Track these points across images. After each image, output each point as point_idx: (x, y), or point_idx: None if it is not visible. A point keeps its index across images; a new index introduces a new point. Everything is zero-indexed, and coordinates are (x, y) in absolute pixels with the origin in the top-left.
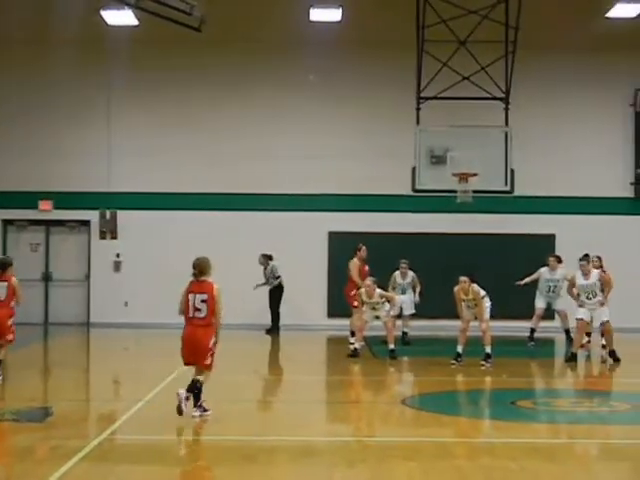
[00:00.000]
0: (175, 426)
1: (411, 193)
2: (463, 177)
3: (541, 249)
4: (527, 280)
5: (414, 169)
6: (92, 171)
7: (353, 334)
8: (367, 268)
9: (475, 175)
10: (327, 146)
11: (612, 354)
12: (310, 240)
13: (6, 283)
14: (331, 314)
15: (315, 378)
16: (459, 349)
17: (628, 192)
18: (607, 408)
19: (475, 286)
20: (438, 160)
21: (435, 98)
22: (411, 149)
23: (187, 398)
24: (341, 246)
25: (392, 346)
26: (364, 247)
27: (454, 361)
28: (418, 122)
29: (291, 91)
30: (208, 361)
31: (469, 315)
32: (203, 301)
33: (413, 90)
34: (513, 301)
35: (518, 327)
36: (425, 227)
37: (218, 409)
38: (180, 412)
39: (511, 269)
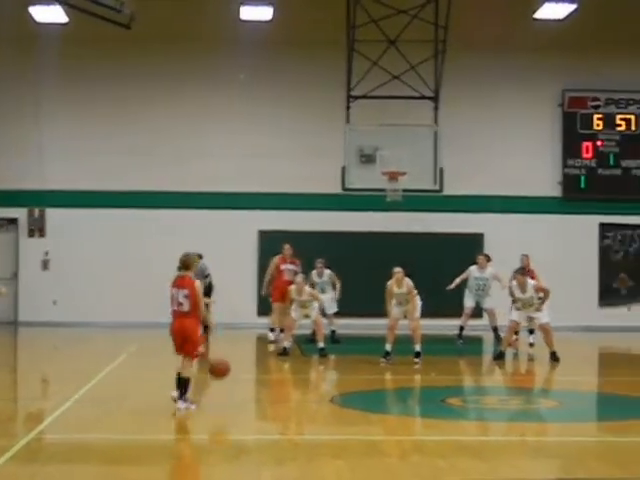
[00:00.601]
0: (104, 425)
1: (341, 192)
2: (392, 176)
3: (470, 248)
4: (457, 281)
5: (344, 168)
6: (21, 169)
7: (273, 330)
8: (292, 267)
9: (404, 174)
10: (258, 145)
11: (553, 355)
12: (240, 239)
13: None
14: (261, 312)
15: (245, 377)
16: (388, 347)
17: (556, 191)
18: (535, 405)
19: (408, 280)
20: (368, 159)
21: (365, 97)
22: (341, 148)
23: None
24: (271, 245)
25: (322, 344)
26: (288, 246)
27: (383, 359)
28: (348, 121)
29: (222, 90)
30: (198, 351)
31: (398, 313)
32: (185, 296)
33: (343, 89)
34: (442, 299)
35: (447, 325)
36: (355, 226)
37: (147, 409)
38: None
39: (440, 268)
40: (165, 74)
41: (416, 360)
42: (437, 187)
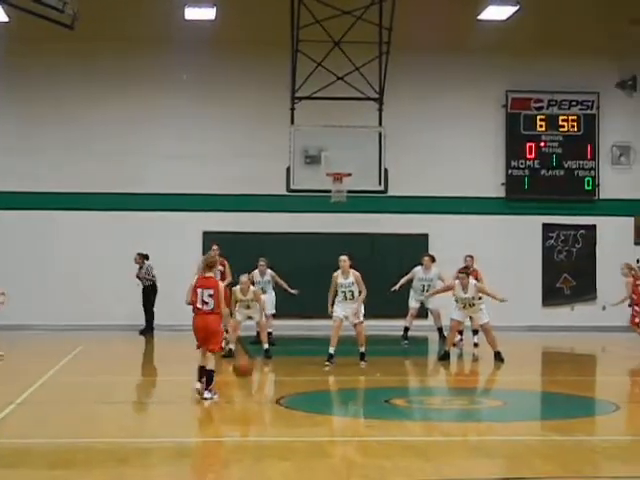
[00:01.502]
0: (48, 429)
1: (285, 193)
2: (337, 177)
3: (415, 248)
4: (402, 282)
5: (289, 169)
6: None
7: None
8: (219, 268)
9: (349, 175)
10: (202, 146)
11: (497, 355)
12: (185, 240)
13: None
14: None
15: (189, 379)
16: (331, 350)
17: (499, 192)
18: (479, 405)
19: (354, 271)
20: (312, 160)
21: (309, 98)
22: (286, 149)
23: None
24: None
25: (266, 346)
26: (215, 246)
27: (327, 363)
28: (293, 122)
29: (165, 90)
30: (220, 345)
31: (343, 311)
32: (210, 295)
33: (288, 90)
34: (387, 300)
35: (392, 326)
36: (300, 227)
37: (90, 411)
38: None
39: (385, 268)
40: (108, 74)
41: (362, 362)
42: (382, 188)
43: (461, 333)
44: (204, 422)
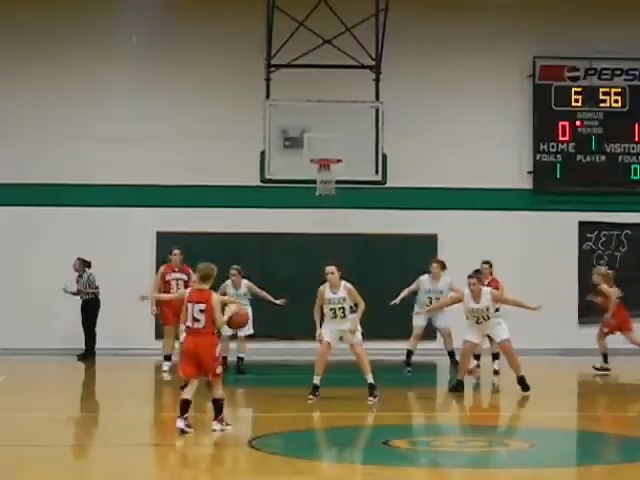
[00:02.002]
0: None
1: (260, 184)
2: (324, 164)
3: (420, 252)
4: (404, 294)
5: (263, 154)
6: None
7: (168, 358)
8: (182, 276)
9: (339, 161)
10: (154, 126)
11: (521, 381)
12: (133, 243)
13: None
14: (159, 335)
15: (139, 415)
16: (316, 380)
17: (525, 183)
18: (501, 447)
19: (347, 283)
20: (293, 143)
21: (289, 66)
22: (259, 129)
23: (186, 419)
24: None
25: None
26: (177, 250)
27: (312, 396)
28: (268, 96)
29: (111, 58)
30: (218, 370)
31: (333, 332)
32: (201, 311)
33: (262, 56)
34: (385, 318)
35: (392, 349)
36: (277, 226)
37: (16, 455)
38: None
39: (383, 277)
40: (35, 36)
41: (370, 398)
42: (379, 177)
43: (477, 358)
44: (158, 469)
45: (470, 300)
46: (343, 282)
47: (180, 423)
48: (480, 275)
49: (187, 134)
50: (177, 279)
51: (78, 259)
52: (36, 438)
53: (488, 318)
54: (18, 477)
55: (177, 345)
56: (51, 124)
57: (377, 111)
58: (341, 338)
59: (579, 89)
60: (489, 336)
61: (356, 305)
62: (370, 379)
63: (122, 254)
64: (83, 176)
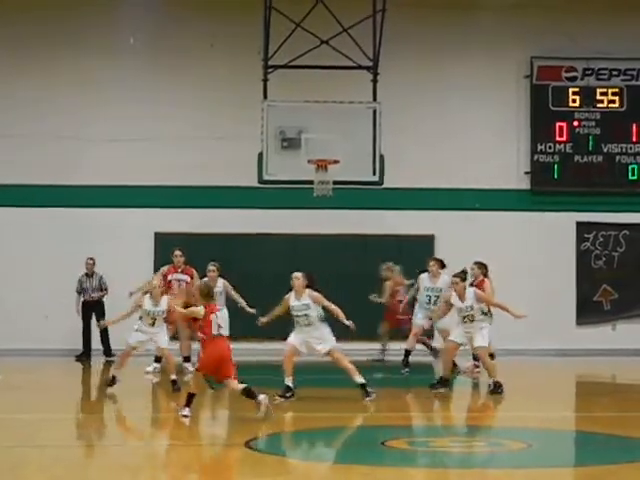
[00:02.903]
0: None
1: (257, 184)
2: (321, 164)
3: (418, 253)
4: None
5: (260, 155)
6: None
7: (187, 359)
8: (183, 277)
9: (336, 162)
10: (151, 126)
11: (495, 386)
12: (131, 244)
13: None
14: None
15: (144, 415)
16: (288, 382)
17: (523, 183)
18: (497, 448)
19: (311, 291)
20: (290, 143)
21: (286, 67)
22: (257, 130)
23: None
24: (168, 250)
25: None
26: (178, 252)
27: (279, 397)
28: (265, 96)
29: (106, 57)
30: (234, 371)
31: (299, 339)
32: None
33: (259, 56)
34: (379, 317)
35: (390, 349)
36: (274, 226)
37: (12, 456)
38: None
39: (379, 278)
40: (32, 36)
41: (367, 398)
42: (376, 178)
43: (476, 359)
44: (163, 468)
45: (456, 299)
46: (308, 290)
47: (185, 411)
48: (463, 275)
49: (185, 135)
50: (179, 280)
51: (90, 258)
52: (32, 439)
53: (473, 318)
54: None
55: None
56: (48, 124)
57: (374, 112)
58: (311, 349)
59: (576, 89)
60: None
61: (326, 310)
62: (359, 380)
63: (120, 255)
64: (80, 177)
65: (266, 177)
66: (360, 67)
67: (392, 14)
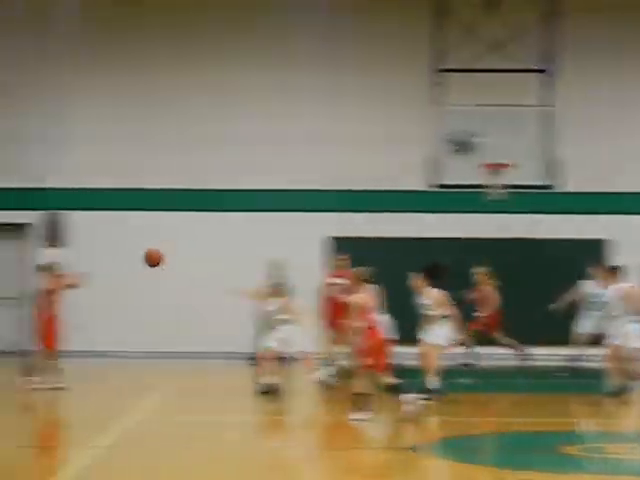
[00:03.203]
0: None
1: (428, 189)
2: (495, 168)
3: (588, 258)
4: (566, 299)
5: (432, 159)
6: (29, 162)
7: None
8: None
9: (509, 166)
10: (321, 131)
11: None
12: (301, 246)
13: None
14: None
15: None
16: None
17: None
18: None
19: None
20: (463, 148)
21: (458, 70)
22: (428, 135)
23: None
24: (341, 253)
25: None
26: (345, 256)
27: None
28: (437, 100)
29: (277, 62)
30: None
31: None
32: None
33: (431, 60)
34: (548, 323)
35: (552, 355)
36: (446, 230)
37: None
38: None
39: (549, 282)
40: (209, 42)
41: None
42: (550, 182)
43: None
44: (336, 474)
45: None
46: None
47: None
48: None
49: (354, 140)
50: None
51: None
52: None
53: None
54: None
55: None
56: (223, 131)
57: (548, 116)
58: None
59: None
60: None
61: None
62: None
63: (291, 256)
64: (250, 181)
65: (438, 182)
66: (533, 70)
67: (567, 16)
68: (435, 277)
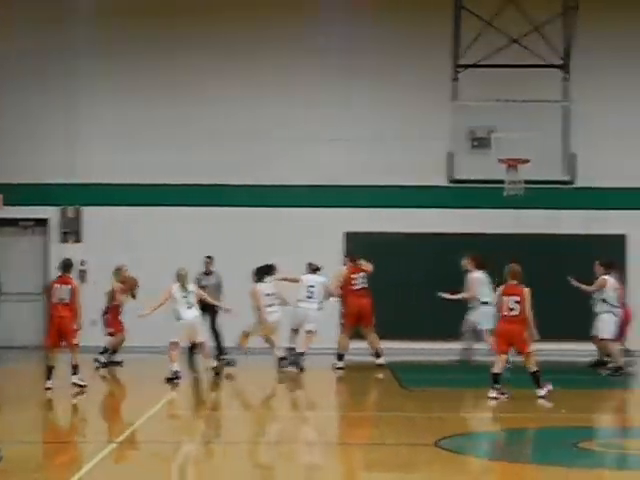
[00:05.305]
0: None
1: (447, 184)
2: (512, 164)
3: (609, 253)
4: (585, 288)
5: (450, 154)
6: (49, 158)
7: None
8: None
9: (527, 162)
10: (340, 127)
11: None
12: (321, 241)
13: (69, 286)
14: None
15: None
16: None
17: None
18: None
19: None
20: (480, 143)
21: (476, 66)
22: (446, 130)
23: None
24: (360, 248)
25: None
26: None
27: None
28: (455, 96)
29: (299, 58)
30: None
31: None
32: (516, 302)
33: (449, 56)
34: (565, 318)
35: (576, 350)
36: (464, 226)
37: None
38: None
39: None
40: (231, 39)
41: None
42: (568, 177)
43: None
44: (355, 468)
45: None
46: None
47: (493, 393)
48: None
49: (373, 135)
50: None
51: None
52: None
53: None
54: None
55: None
56: (247, 126)
57: (566, 111)
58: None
59: None
60: None
61: None
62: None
63: (312, 251)
64: (273, 177)
65: (456, 176)
66: (551, 65)
67: (584, 10)
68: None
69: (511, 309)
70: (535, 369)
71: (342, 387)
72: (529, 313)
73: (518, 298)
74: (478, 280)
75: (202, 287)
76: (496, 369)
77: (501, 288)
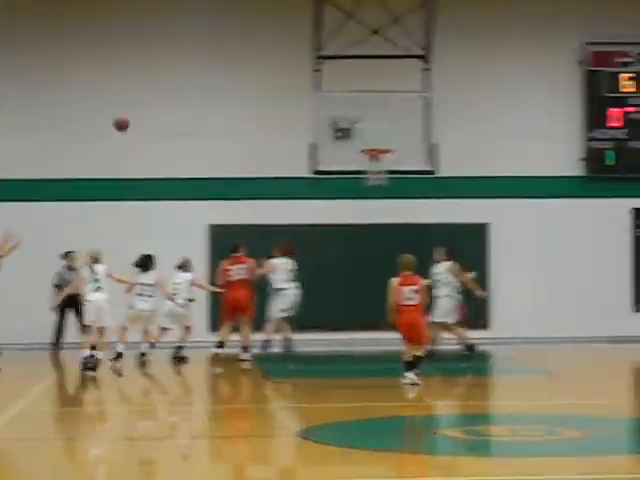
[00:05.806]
0: None
1: (309, 175)
2: (374, 154)
3: (471, 242)
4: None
5: (313, 145)
6: None
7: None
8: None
9: (389, 152)
10: (200, 119)
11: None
12: (184, 236)
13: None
14: (215, 327)
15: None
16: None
17: (577, 170)
18: (553, 437)
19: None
20: (343, 134)
21: (338, 57)
22: (309, 121)
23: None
24: (222, 241)
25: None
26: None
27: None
28: (318, 87)
29: (155, 48)
30: (423, 339)
31: None
32: (415, 291)
33: (310, 47)
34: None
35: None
36: (328, 217)
37: None
38: None
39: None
40: (96, 33)
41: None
42: (430, 167)
43: None
44: (209, 462)
45: None
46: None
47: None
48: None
49: (235, 126)
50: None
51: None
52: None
53: None
54: None
55: None
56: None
57: (427, 101)
58: None
59: (630, 75)
60: None
61: None
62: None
63: (174, 248)
64: (131, 169)
65: (319, 167)
66: (412, 56)
67: (443, 3)
68: None
69: (409, 299)
70: (415, 358)
71: (211, 381)
72: (426, 301)
73: (416, 287)
74: (277, 266)
75: (68, 282)
76: (407, 357)
77: (396, 279)
